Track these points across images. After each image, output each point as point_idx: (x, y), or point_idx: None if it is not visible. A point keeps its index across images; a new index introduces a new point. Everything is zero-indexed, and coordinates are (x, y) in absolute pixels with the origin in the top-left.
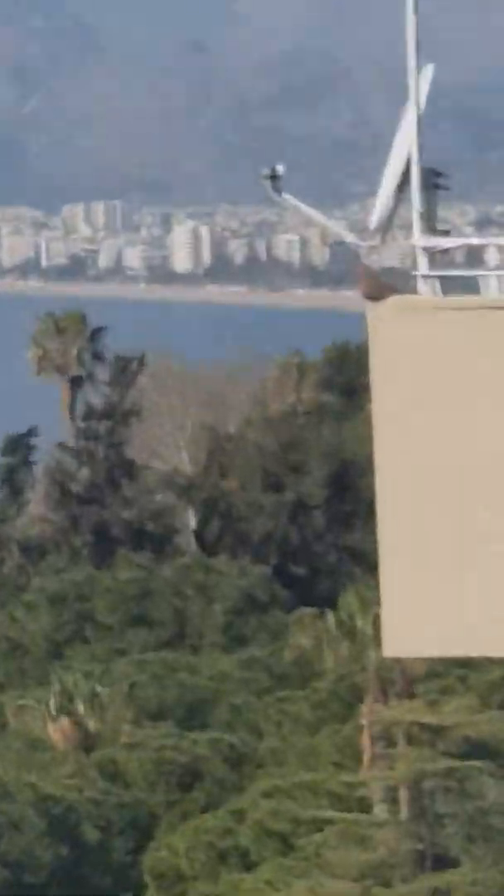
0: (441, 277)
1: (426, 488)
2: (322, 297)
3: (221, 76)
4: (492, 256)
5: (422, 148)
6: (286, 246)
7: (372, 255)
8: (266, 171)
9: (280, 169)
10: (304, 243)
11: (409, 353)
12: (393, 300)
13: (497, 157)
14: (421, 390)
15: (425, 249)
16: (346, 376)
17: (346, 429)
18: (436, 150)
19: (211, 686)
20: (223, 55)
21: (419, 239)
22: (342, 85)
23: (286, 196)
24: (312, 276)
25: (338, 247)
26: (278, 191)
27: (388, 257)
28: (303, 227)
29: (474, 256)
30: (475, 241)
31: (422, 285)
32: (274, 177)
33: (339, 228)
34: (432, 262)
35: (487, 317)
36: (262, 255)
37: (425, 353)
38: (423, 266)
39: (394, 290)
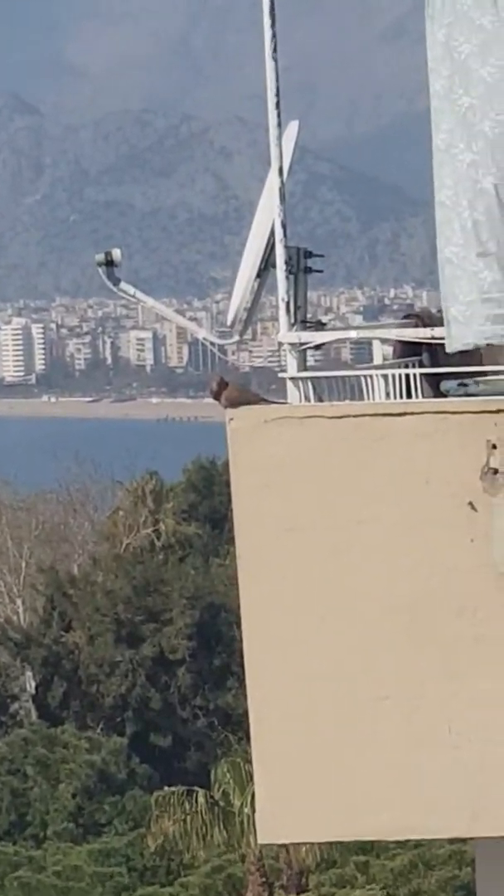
0: (315, 379)
1: (303, 639)
2: (181, 407)
3: (53, 141)
4: (379, 351)
5: (286, 223)
6: (136, 345)
7: (237, 353)
8: (100, 257)
9: (117, 253)
10: (157, 342)
11: (276, 472)
12: (256, 409)
13: (389, 229)
14: (293, 518)
15: (293, 347)
16: (213, 502)
17: (214, 566)
18: (315, 223)
19: (59, 884)
20: (54, 115)
21: (285, 334)
22: (200, 148)
23: (124, 286)
24: (168, 381)
25: (199, 345)
26: (115, 280)
27: (255, 356)
28: (157, 323)
29: (365, 351)
30: (354, 333)
31: (291, 389)
32: (109, 262)
33: (194, 324)
34: (303, 362)
35: (371, 426)
36: (108, 357)
37: (296, 472)
38: (291, 366)
39: (257, 397)
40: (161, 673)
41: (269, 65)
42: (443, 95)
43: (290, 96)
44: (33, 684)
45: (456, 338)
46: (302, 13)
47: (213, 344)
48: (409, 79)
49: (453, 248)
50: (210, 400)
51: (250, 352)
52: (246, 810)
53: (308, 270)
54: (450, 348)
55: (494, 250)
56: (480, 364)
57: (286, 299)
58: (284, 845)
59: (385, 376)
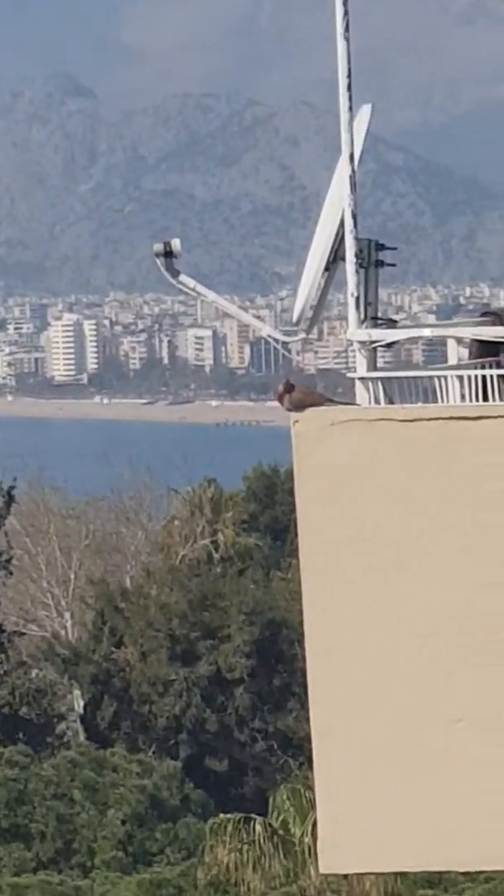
0: (385, 380)
1: (371, 657)
2: (241, 410)
3: (108, 126)
4: (454, 351)
5: (356, 213)
6: (195, 344)
7: (302, 353)
8: (158, 247)
9: (176, 244)
10: (217, 341)
11: (344, 478)
12: (322, 411)
13: (465, 224)
14: (361, 527)
15: (363, 345)
16: (275, 512)
17: (275, 580)
18: (386, 216)
19: None
20: (110, 99)
21: (355, 332)
22: (264, 135)
23: (184, 279)
24: (229, 382)
25: (261, 344)
26: (174, 272)
27: (321, 357)
28: (217, 321)
29: (438, 352)
30: (428, 332)
31: (360, 390)
32: (168, 254)
33: (257, 321)
34: (373, 361)
35: (446, 430)
36: (164, 356)
37: (365, 478)
38: (361, 366)
39: (324, 398)
40: (217, 693)
41: (341, 45)
42: None
43: (361, 81)
44: (81, 703)
45: None
46: None
47: (277, 342)
48: (486, 64)
49: None
50: (273, 403)
51: (316, 352)
52: (306, 839)
53: (380, 264)
54: None
55: None
56: None
57: (356, 294)
58: (347, 876)
59: (460, 378)
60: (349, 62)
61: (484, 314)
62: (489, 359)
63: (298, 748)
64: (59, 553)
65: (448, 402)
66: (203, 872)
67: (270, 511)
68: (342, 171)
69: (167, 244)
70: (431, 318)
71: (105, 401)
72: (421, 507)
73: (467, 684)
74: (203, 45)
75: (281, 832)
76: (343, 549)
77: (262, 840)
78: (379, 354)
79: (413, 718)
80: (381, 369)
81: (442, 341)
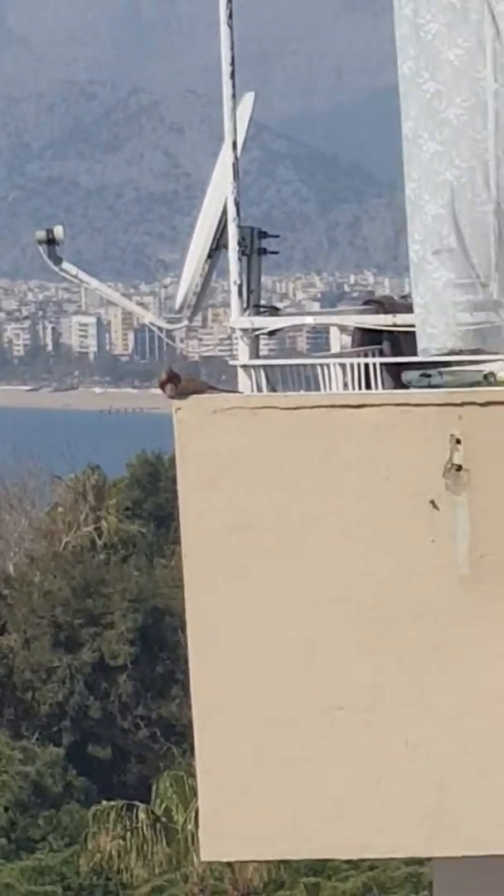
0: (268, 367)
1: (252, 645)
2: (125, 397)
3: None
4: (337, 339)
5: (239, 201)
6: (79, 331)
7: (186, 340)
8: (41, 234)
9: (59, 231)
10: (101, 328)
11: (225, 466)
12: (204, 398)
13: (350, 212)
14: (243, 515)
15: (245, 333)
16: (158, 499)
17: (158, 567)
18: (271, 204)
19: None
20: None
21: (237, 319)
22: (149, 123)
23: (66, 266)
24: (112, 369)
25: (145, 332)
26: (56, 259)
27: (205, 344)
28: (101, 308)
29: (322, 340)
30: (310, 319)
31: (243, 378)
32: (51, 241)
33: (140, 308)
34: (256, 349)
35: (328, 419)
36: (48, 343)
37: (247, 466)
38: (243, 353)
39: (206, 386)
40: (101, 680)
41: (224, 31)
42: (410, 79)
43: (246, 69)
44: None
45: (418, 343)
46: None
47: (160, 329)
48: (370, 52)
49: (416, 246)
50: (156, 390)
51: (200, 340)
52: (189, 827)
53: (262, 252)
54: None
55: (455, 245)
56: None
57: (238, 282)
58: (230, 864)
59: (343, 366)
60: (232, 49)
61: (367, 302)
62: (372, 347)
63: (181, 735)
64: None
65: (330, 390)
66: (86, 859)
67: (154, 498)
68: (225, 158)
69: (49, 231)
70: (316, 306)
71: None
72: (303, 495)
73: (348, 672)
74: (88, 32)
75: (164, 819)
76: (225, 537)
77: (144, 827)
78: (263, 342)
79: (294, 706)
80: (265, 357)
81: (325, 329)
